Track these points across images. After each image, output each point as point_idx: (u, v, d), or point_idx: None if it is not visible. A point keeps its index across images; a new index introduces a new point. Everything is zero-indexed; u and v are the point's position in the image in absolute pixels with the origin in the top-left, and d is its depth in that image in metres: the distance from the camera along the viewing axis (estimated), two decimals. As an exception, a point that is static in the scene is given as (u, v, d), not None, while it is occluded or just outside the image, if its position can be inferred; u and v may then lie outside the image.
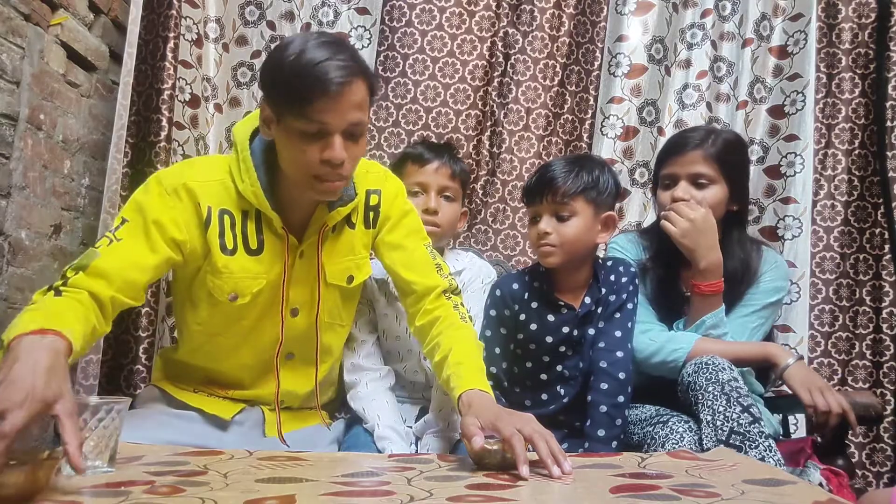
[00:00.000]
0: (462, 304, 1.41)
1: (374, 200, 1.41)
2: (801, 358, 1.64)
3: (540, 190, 1.49)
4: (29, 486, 0.79)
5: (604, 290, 1.53)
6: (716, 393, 1.33)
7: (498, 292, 1.57)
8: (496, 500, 0.86)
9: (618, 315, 1.52)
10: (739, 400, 1.32)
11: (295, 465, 1.06)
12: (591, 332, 1.52)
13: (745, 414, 1.30)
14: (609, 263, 1.57)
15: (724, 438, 1.29)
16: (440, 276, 1.40)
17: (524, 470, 0.99)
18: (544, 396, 1.55)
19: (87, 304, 1.11)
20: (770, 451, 1.27)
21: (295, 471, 1.01)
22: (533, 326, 1.54)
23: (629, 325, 1.52)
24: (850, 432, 1.82)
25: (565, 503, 0.90)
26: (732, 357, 1.44)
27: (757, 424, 1.29)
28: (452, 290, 1.41)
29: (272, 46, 2.18)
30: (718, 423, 1.30)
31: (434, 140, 2.01)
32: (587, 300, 1.53)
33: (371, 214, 1.41)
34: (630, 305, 1.54)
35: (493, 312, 1.57)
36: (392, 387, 1.54)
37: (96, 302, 1.14)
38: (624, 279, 1.55)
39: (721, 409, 1.31)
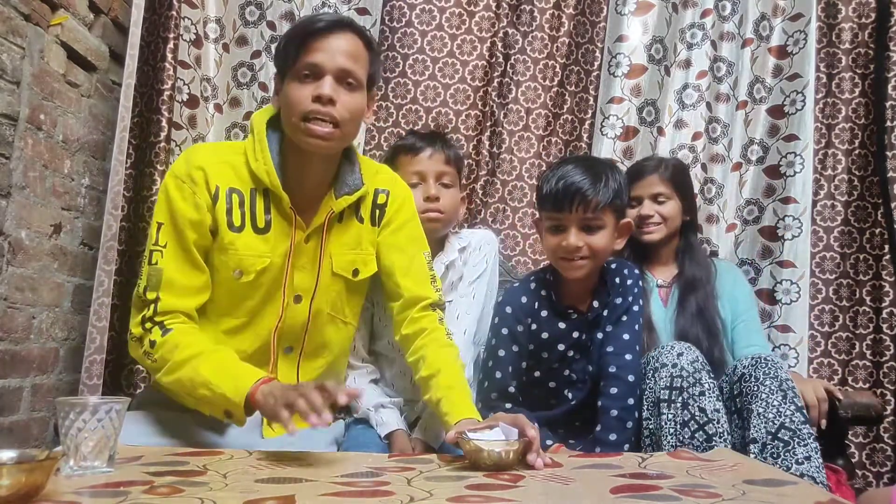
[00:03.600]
0: (444, 319, 1.44)
1: (381, 199, 1.45)
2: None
3: (569, 201, 1.44)
4: (28, 487, 0.79)
5: (611, 294, 1.53)
6: (773, 387, 1.37)
7: (508, 309, 1.54)
8: (496, 500, 0.86)
9: (625, 318, 1.51)
10: (794, 399, 1.36)
11: (295, 465, 1.06)
12: (599, 335, 1.51)
13: (798, 413, 1.34)
14: (613, 266, 1.57)
15: (773, 431, 1.33)
16: (432, 288, 1.43)
17: (539, 462, 1.08)
18: (552, 401, 1.55)
19: (196, 328, 1.30)
20: (816, 452, 1.32)
21: (294, 471, 1.01)
22: (544, 335, 1.53)
23: (636, 327, 1.52)
24: (851, 431, 1.82)
25: (565, 503, 0.90)
26: None
27: (807, 425, 1.34)
28: (440, 305, 1.44)
29: (272, 47, 2.18)
30: (770, 415, 1.34)
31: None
32: (595, 304, 1.52)
33: (377, 212, 1.45)
34: (636, 308, 1.53)
35: (504, 331, 1.54)
36: (377, 382, 1.57)
37: (191, 318, 1.30)
38: (629, 281, 1.54)
39: (776, 403, 1.35)
